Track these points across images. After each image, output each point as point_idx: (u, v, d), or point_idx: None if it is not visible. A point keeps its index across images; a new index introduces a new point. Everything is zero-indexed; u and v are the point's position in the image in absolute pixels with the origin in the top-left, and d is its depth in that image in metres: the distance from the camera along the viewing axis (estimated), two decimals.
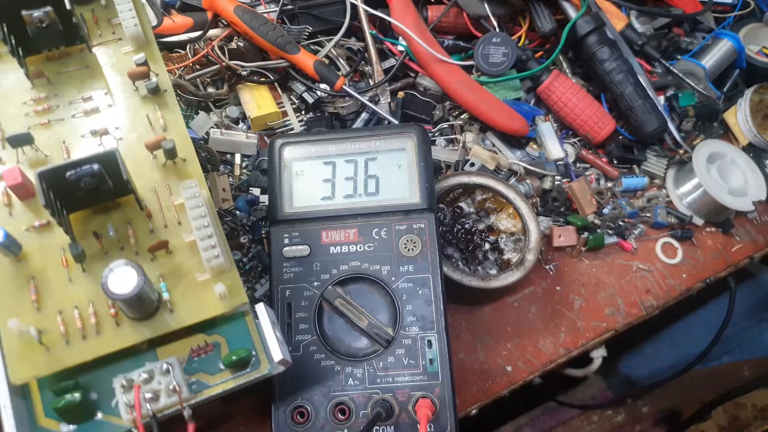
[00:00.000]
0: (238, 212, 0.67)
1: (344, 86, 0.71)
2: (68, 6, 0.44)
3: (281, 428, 0.53)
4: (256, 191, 0.69)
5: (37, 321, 0.39)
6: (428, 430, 0.53)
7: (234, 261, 0.43)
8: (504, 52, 0.75)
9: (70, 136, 0.45)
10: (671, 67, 0.80)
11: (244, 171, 0.70)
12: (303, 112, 0.74)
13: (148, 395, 0.38)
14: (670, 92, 0.82)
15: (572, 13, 0.77)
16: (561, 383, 1.20)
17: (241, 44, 0.72)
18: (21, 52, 0.45)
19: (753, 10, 0.89)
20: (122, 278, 0.36)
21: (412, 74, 0.78)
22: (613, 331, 0.70)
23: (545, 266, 0.72)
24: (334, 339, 0.56)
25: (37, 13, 0.43)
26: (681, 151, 0.78)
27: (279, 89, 0.74)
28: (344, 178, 0.61)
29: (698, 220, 0.76)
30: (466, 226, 0.69)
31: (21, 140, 0.42)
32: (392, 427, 0.53)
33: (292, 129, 0.73)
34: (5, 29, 0.43)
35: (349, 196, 0.61)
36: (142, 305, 0.38)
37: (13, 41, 0.44)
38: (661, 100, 0.80)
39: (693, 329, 1.07)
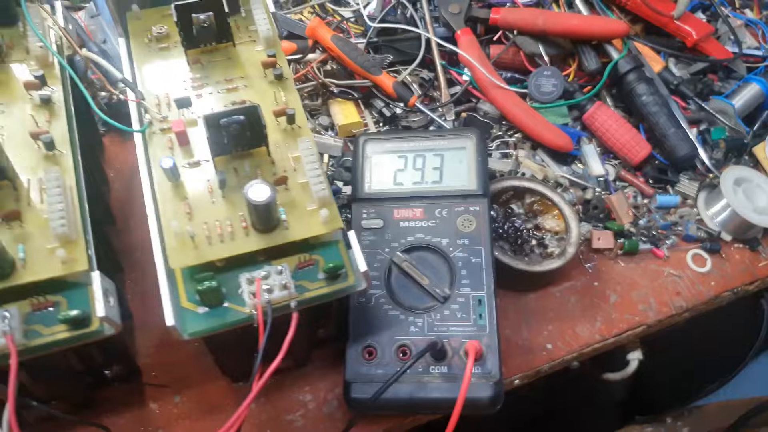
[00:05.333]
0: None
1: (416, 104, 0.85)
2: (226, 11, 0.60)
3: (353, 362, 0.64)
4: (339, 184, 0.82)
5: (189, 226, 0.52)
6: (476, 369, 0.62)
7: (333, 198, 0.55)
8: (554, 83, 0.88)
9: (216, 105, 0.60)
10: (704, 105, 0.91)
11: (330, 167, 0.84)
12: (381, 124, 0.88)
13: (265, 286, 0.51)
14: (703, 126, 0.92)
15: (615, 55, 0.90)
16: None
17: (334, 66, 0.88)
18: (186, 44, 0.61)
19: None
20: (259, 191, 0.49)
21: (473, 100, 0.91)
22: (645, 325, 0.78)
23: (585, 264, 0.81)
24: (400, 294, 0.67)
25: (202, 17, 0.60)
26: (711, 176, 0.88)
27: (362, 105, 0.89)
28: (414, 169, 0.74)
29: (726, 236, 0.85)
30: (516, 224, 0.80)
31: (183, 103, 0.57)
32: (446, 367, 0.63)
33: None
34: (180, 27, 0.59)
35: (417, 182, 0.73)
36: (269, 217, 0.51)
37: (183, 36, 0.60)
38: (694, 132, 0.91)
39: None
